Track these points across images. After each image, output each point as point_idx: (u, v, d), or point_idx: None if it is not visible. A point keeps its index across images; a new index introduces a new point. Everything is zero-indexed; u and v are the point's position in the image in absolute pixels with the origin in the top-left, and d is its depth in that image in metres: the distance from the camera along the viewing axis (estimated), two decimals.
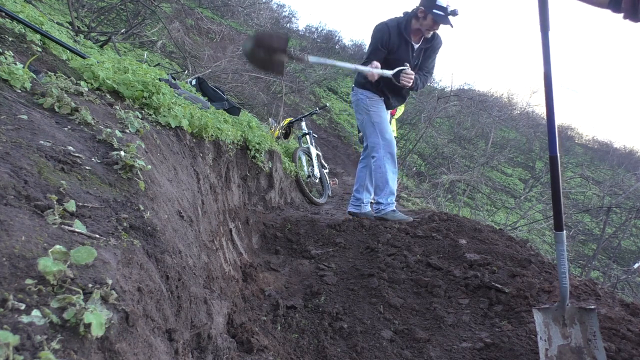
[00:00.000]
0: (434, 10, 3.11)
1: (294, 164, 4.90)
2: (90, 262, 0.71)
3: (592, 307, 1.72)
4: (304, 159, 5.02)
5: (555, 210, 1.70)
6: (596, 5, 1.41)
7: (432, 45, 3.45)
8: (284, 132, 5.84)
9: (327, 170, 5.91)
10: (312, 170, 5.21)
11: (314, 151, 5.31)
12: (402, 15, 3.34)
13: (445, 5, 3.11)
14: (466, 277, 2.54)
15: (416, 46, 3.36)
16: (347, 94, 15.72)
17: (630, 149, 24.33)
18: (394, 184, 3.51)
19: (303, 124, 5.64)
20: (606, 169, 19.41)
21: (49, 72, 1.59)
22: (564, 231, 1.73)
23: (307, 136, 5.44)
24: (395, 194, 3.58)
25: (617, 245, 8.74)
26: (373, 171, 3.55)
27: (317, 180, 5.37)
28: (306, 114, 6.08)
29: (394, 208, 3.57)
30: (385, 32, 3.23)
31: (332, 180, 6.95)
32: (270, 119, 6.48)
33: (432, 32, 3.31)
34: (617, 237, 8.56)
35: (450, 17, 3.14)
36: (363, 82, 3.46)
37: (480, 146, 16.44)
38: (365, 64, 3.25)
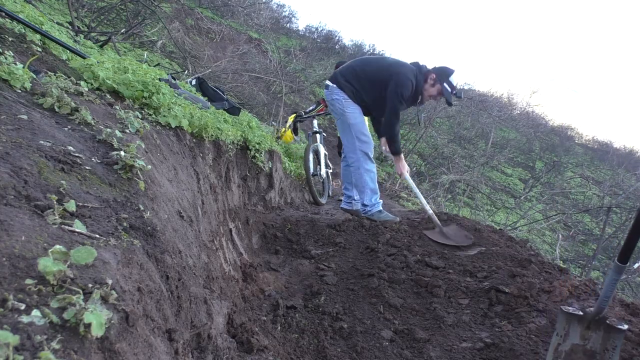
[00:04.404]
0: (444, 84, 3.18)
1: (304, 161, 4.83)
2: (90, 262, 0.71)
3: (624, 327, 1.64)
4: (311, 157, 4.93)
5: (628, 245, 1.56)
6: None
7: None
8: (293, 127, 5.77)
9: (331, 171, 5.87)
10: (319, 170, 5.16)
11: (322, 150, 5.25)
12: (415, 67, 3.30)
13: (455, 84, 3.19)
14: (466, 278, 2.54)
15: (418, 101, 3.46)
16: None
17: (630, 149, 24.33)
18: (373, 183, 3.53)
19: (315, 122, 5.52)
20: (606, 169, 19.40)
21: (49, 72, 1.59)
22: (627, 264, 1.61)
23: (318, 135, 5.36)
24: (378, 192, 3.61)
25: (617, 245, 8.73)
26: (352, 173, 3.58)
27: (321, 180, 5.32)
28: (321, 112, 5.86)
29: (381, 208, 3.58)
30: (410, 91, 3.25)
31: (335, 182, 6.91)
32: (274, 123, 6.31)
33: (431, 99, 3.38)
34: (617, 237, 8.56)
35: (453, 96, 3.23)
36: (342, 83, 3.41)
37: (480, 146, 16.43)
38: (395, 124, 3.33)
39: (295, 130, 5.85)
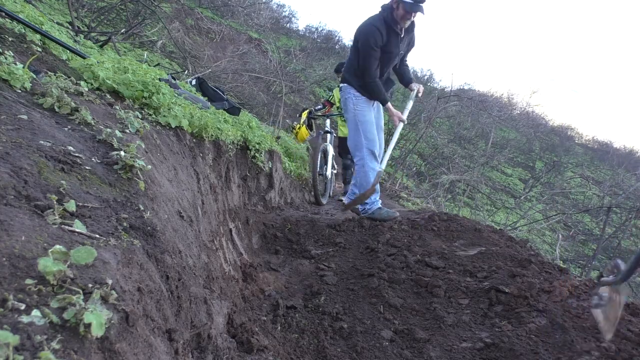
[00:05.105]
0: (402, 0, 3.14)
1: (312, 159, 4.80)
2: (90, 262, 0.71)
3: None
4: (319, 156, 4.90)
5: None
6: None
7: (413, 33, 3.51)
8: (307, 124, 5.70)
9: (335, 172, 5.83)
10: (325, 170, 5.15)
11: (331, 151, 5.22)
12: (381, 10, 3.35)
13: None
14: (466, 278, 2.54)
15: (401, 36, 3.40)
16: None
17: (630, 149, 24.34)
18: (376, 182, 3.56)
19: (328, 122, 5.48)
20: (606, 169, 19.41)
21: (49, 72, 1.59)
22: None
23: (329, 135, 5.33)
24: (379, 192, 3.64)
25: (617, 245, 8.74)
26: (357, 171, 3.60)
27: (325, 180, 5.30)
28: (327, 114, 5.81)
29: (380, 205, 3.60)
30: (377, 34, 3.24)
31: (338, 184, 6.88)
32: (304, 113, 6.10)
33: (408, 22, 3.32)
34: (617, 237, 8.57)
35: (421, 5, 3.17)
36: (350, 80, 3.50)
37: (480, 146, 16.44)
38: (370, 73, 3.33)
39: (310, 127, 5.79)
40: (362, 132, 3.48)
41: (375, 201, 3.58)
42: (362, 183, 3.57)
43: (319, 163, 4.77)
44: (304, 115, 5.72)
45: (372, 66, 3.32)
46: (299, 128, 5.69)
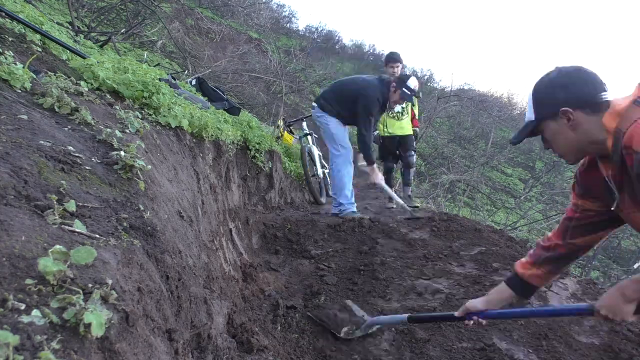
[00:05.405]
0: (404, 89, 3.64)
1: (302, 162, 4.96)
2: (90, 262, 0.70)
3: None
4: (306, 159, 5.04)
5: None
6: None
7: None
8: (287, 130, 6.05)
9: (327, 170, 5.90)
10: (316, 170, 5.24)
11: (315, 151, 5.33)
12: (377, 82, 3.75)
13: (413, 87, 3.66)
14: (465, 277, 2.54)
15: (386, 109, 3.95)
16: None
17: None
18: (350, 184, 3.91)
19: (304, 124, 5.65)
20: None
21: (49, 72, 1.59)
22: None
23: (309, 137, 5.45)
24: (353, 193, 3.95)
25: (617, 245, 8.74)
26: (332, 176, 3.96)
27: (318, 180, 5.37)
28: (307, 115, 6.17)
29: (354, 209, 3.85)
30: (377, 106, 3.71)
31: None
32: (279, 121, 6.63)
33: (397, 107, 4.11)
34: (617, 237, 8.56)
35: (413, 96, 3.80)
36: (323, 104, 3.86)
37: (480, 146, 16.43)
38: (368, 134, 3.75)
39: (291, 132, 6.29)
40: (338, 142, 3.87)
41: (352, 203, 3.84)
42: (338, 185, 3.87)
43: (308, 165, 4.93)
44: (280, 122, 6.20)
45: (370, 129, 3.77)
46: (282, 135, 6.16)
